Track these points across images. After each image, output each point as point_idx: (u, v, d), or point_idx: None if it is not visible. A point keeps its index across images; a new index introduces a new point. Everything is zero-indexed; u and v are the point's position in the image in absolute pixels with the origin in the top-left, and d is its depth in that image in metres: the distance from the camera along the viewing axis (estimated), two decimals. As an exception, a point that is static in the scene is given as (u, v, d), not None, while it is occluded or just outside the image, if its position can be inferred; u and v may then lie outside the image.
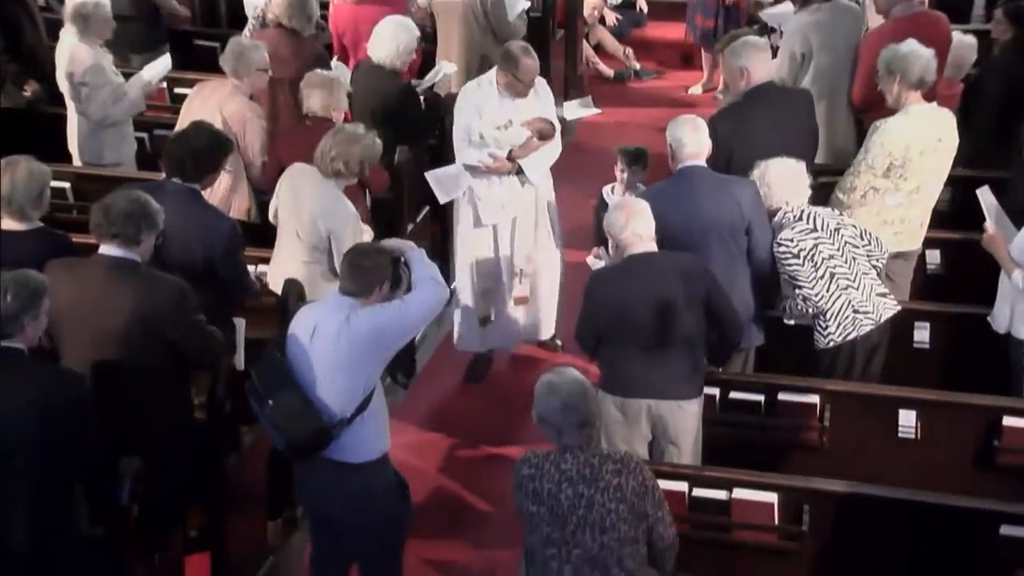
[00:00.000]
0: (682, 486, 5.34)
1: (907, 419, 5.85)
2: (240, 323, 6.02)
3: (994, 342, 6.22)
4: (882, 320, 6.06)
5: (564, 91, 11.35)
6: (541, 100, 7.19)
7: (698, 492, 5.35)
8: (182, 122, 6.34)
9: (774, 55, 7.50)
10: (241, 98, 7.10)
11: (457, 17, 8.87)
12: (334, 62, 8.20)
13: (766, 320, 6.21)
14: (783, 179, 6.10)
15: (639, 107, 11.55)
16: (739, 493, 5.31)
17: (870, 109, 7.42)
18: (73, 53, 7.70)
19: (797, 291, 6.01)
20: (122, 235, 5.17)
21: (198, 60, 9.06)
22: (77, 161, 7.93)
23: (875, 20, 7.81)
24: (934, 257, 7.07)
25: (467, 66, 8.71)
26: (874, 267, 6.16)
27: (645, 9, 12.55)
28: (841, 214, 6.25)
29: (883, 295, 6.12)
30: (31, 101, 8.46)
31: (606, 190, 7.19)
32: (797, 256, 5.96)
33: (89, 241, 5.33)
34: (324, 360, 4.92)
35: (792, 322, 6.17)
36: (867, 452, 5.86)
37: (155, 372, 5.21)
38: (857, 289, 6.02)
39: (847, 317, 6.00)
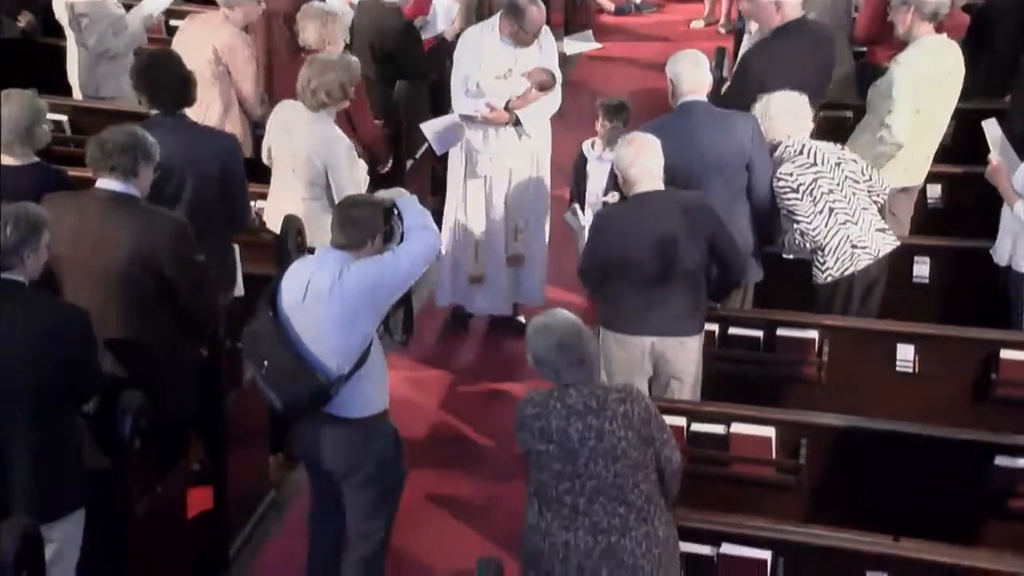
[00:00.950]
0: (681, 421, 5.37)
1: (905, 353, 5.87)
2: (233, 250, 6.03)
3: (994, 276, 6.23)
4: (880, 255, 6.06)
5: (564, 25, 11.28)
6: (543, 50, 7.00)
7: (697, 427, 5.38)
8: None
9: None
10: (232, 28, 7.04)
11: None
12: None
13: (765, 256, 6.21)
14: (786, 112, 6.08)
15: (640, 41, 11.49)
16: (737, 428, 5.34)
17: (875, 43, 7.41)
18: (73, -17, 7.66)
19: (795, 225, 6.00)
20: (119, 168, 5.15)
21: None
22: (76, 94, 7.89)
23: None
24: (934, 191, 7.06)
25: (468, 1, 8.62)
26: (875, 203, 6.15)
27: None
28: (843, 149, 6.23)
29: (882, 230, 6.11)
30: (25, 31, 8.40)
31: (586, 145, 7.10)
32: (796, 190, 5.95)
33: (86, 175, 5.31)
34: (318, 317, 4.78)
35: (791, 256, 6.18)
36: (865, 386, 5.89)
37: (155, 306, 5.22)
38: (856, 224, 6.02)
39: (845, 252, 6.00)
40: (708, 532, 4.81)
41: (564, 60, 10.95)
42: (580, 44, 11.43)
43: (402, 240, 4.92)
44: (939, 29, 6.67)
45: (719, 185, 5.90)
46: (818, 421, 5.36)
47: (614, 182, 6.62)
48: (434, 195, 8.02)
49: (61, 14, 7.80)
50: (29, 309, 4.59)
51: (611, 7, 12.14)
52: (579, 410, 4.39)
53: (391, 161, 7.35)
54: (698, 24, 11.80)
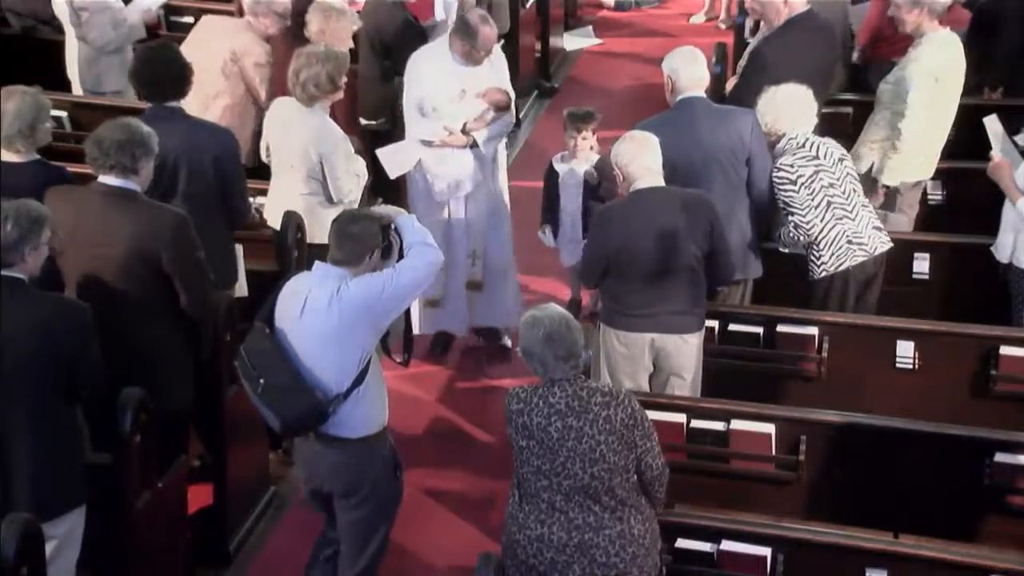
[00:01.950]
0: (680, 417, 5.37)
1: (905, 350, 5.87)
2: (237, 249, 6.04)
3: (994, 272, 6.23)
4: (876, 253, 6.07)
5: (564, 20, 11.29)
6: (495, 68, 6.81)
7: (696, 423, 5.38)
8: (188, 52, 6.31)
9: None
10: (252, 34, 7.07)
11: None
12: None
13: (763, 252, 6.21)
14: (792, 104, 6.08)
15: (640, 37, 11.49)
16: (737, 424, 5.35)
17: (877, 42, 7.47)
18: (73, -23, 7.66)
19: (790, 218, 6.01)
20: (119, 165, 5.15)
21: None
22: (76, 88, 7.89)
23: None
24: (935, 187, 7.07)
25: None
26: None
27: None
28: (841, 147, 6.24)
29: (879, 229, 6.12)
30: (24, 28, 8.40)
31: (556, 159, 6.97)
32: (794, 182, 5.95)
33: (86, 171, 5.32)
34: (316, 335, 4.67)
35: (786, 250, 6.18)
36: (865, 383, 5.90)
37: (155, 302, 5.22)
38: (853, 220, 6.02)
39: (841, 247, 6.01)
40: (708, 529, 4.81)
41: (564, 56, 11.03)
42: (580, 40, 11.44)
43: (401, 258, 4.81)
44: (941, 22, 6.69)
45: (720, 180, 5.91)
46: (818, 418, 5.36)
47: (588, 192, 6.63)
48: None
49: (61, 11, 7.80)
50: (30, 305, 4.59)
51: (611, 2, 12.13)
52: (560, 410, 4.41)
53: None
54: (698, 19, 11.79)
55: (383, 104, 7.68)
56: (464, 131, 6.72)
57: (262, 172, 6.67)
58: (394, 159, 6.89)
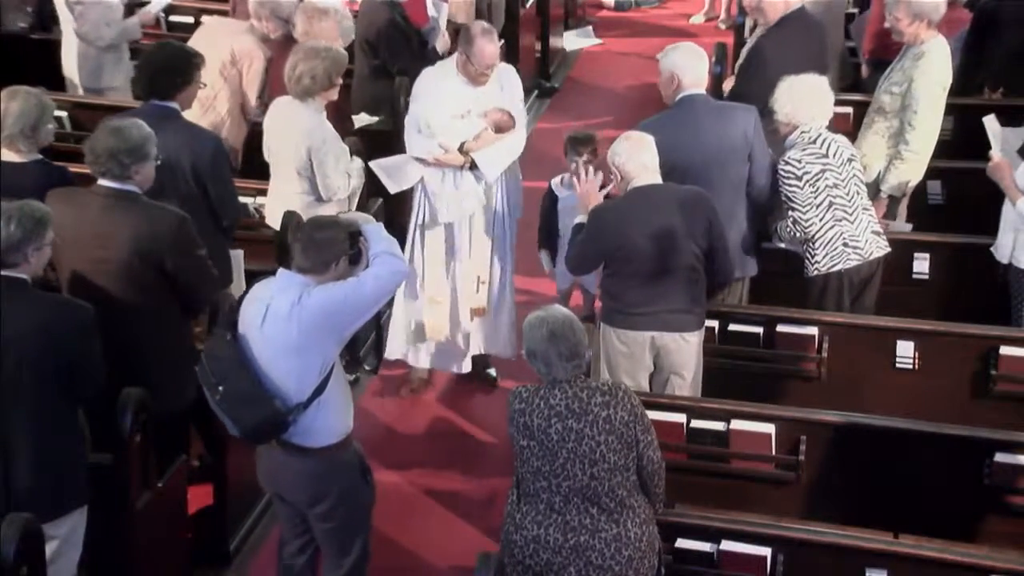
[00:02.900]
0: (680, 417, 5.38)
1: (905, 350, 5.87)
2: (238, 254, 6.04)
3: (993, 272, 6.23)
4: (871, 258, 6.06)
5: (564, 20, 11.29)
6: (505, 91, 6.50)
7: (696, 423, 5.38)
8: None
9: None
10: (254, 37, 7.08)
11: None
12: None
13: (761, 251, 6.22)
14: (811, 97, 6.05)
15: (640, 37, 11.49)
16: (737, 424, 5.35)
17: (878, 49, 7.53)
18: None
19: (790, 213, 6.00)
20: (110, 173, 5.16)
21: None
22: (70, 84, 7.91)
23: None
24: (935, 187, 7.06)
25: None
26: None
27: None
28: (852, 146, 6.22)
29: (877, 233, 6.12)
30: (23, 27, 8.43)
31: (555, 182, 6.76)
32: (799, 178, 5.93)
33: (88, 171, 5.32)
34: (276, 343, 4.59)
35: (782, 244, 6.18)
36: (865, 383, 5.90)
37: (155, 303, 5.22)
38: (852, 223, 6.02)
39: (836, 249, 6.00)
40: (708, 529, 4.81)
41: (564, 56, 11.03)
42: (580, 39, 11.44)
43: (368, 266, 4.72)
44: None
45: (723, 177, 5.91)
46: (818, 418, 5.36)
47: (546, 232, 6.55)
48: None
49: (60, 5, 7.82)
50: (32, 306, 4.60)
51: (611, 2, 12.14)
52: (560, 412, 4.41)
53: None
54: (698, 19, 11.80)
55: (377, 102, 7.69)
56: (462, 150, 6.43)
57: (262, 172, 6.67)
58: (391, 174, 6.62)
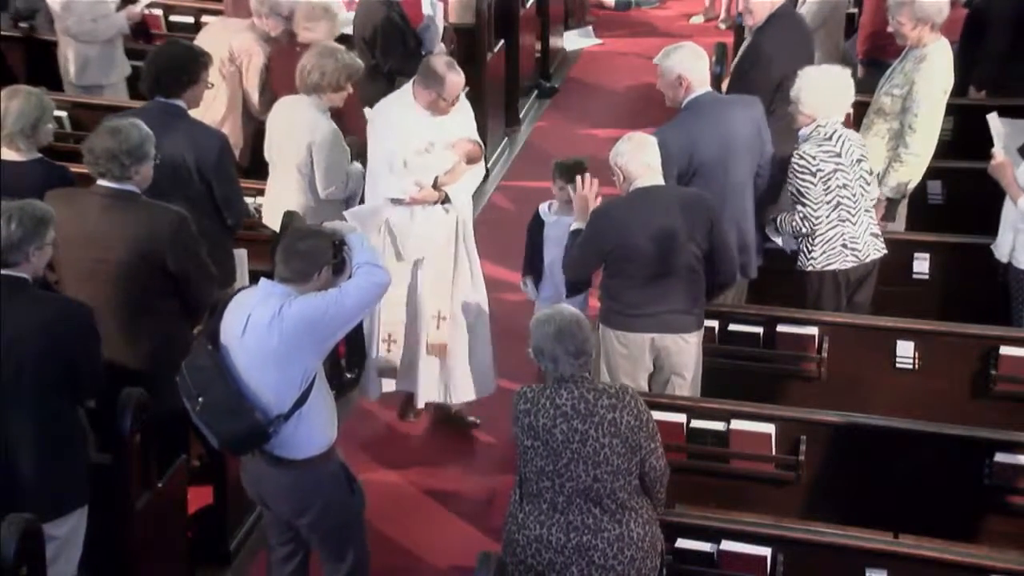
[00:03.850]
0: (680, 417, 5.38)
1: (905, 350, 5.87)
2: (242, 253, 6.04)
3: (993, 272, 6.23)
4: (867, 260, 6.06)
5: (564, 20, 11.29)
6: (461, 115, 6.32)
7: (696, 423, 5.38)
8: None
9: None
10: (253, 34, 7.09)
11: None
12: None
13: (761, 250, 6.24)
14: (832, 91, 6.02)
15: (640, 37, 11.49)
16: (737, 424, 5.35)
17: (872, 49, 7.53)
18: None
19: (799, 207, 5.98)
20: (109, 174, 5.16)
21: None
22: (69, 80, 7.90)
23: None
24: (934, 187, 7.06)
25: None
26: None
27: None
28: (864, 145, 6.22)
29: (875, 235, 6.11)
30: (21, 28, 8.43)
31: (542, 208, 6.49)
32: (813, 174, 5.91)
33: (87, 171, 5.31)
34: (257, 354, 4.53)
35: (778, 240, 6.17)
36: (865, 383, 5.90)
37: (155, 303, 5.22)
38: (854, 225, 6.01)
39: (834, 248, 6.00)
40: (708, 529, 4.81)
41: (564, 56, 11.03)
42: (580, 39, 11.43)
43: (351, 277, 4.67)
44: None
45: (740, 171, 5.98)
46: (818, 418, 5.36)
47: (531, 259, 6.45)
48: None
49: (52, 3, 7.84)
50: (33, 306, 4.60)
51: (611, 2, 12.14)
52: (566, 412, 4.41)
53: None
54: (698, 19, 11.80)
55: (374, 101, 7.68)
56: (435, 186, 6.21)
57: (261, 172, 6.67)
58: (364, 221, 6.07)
